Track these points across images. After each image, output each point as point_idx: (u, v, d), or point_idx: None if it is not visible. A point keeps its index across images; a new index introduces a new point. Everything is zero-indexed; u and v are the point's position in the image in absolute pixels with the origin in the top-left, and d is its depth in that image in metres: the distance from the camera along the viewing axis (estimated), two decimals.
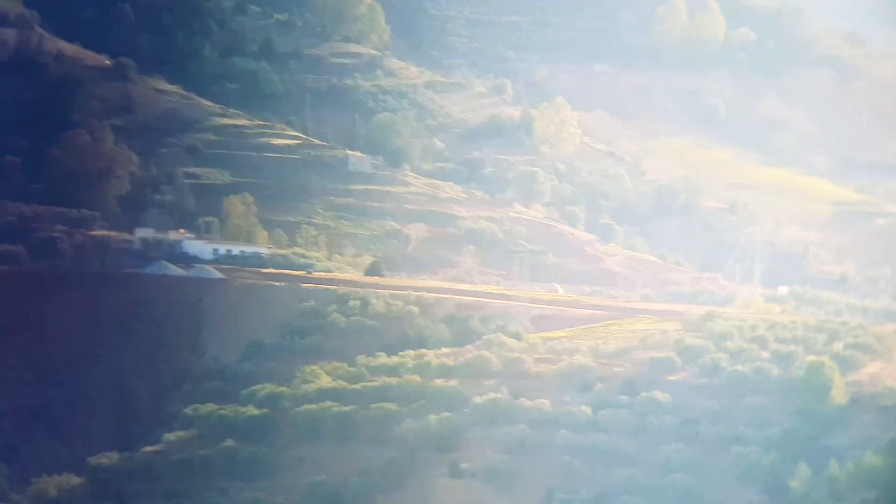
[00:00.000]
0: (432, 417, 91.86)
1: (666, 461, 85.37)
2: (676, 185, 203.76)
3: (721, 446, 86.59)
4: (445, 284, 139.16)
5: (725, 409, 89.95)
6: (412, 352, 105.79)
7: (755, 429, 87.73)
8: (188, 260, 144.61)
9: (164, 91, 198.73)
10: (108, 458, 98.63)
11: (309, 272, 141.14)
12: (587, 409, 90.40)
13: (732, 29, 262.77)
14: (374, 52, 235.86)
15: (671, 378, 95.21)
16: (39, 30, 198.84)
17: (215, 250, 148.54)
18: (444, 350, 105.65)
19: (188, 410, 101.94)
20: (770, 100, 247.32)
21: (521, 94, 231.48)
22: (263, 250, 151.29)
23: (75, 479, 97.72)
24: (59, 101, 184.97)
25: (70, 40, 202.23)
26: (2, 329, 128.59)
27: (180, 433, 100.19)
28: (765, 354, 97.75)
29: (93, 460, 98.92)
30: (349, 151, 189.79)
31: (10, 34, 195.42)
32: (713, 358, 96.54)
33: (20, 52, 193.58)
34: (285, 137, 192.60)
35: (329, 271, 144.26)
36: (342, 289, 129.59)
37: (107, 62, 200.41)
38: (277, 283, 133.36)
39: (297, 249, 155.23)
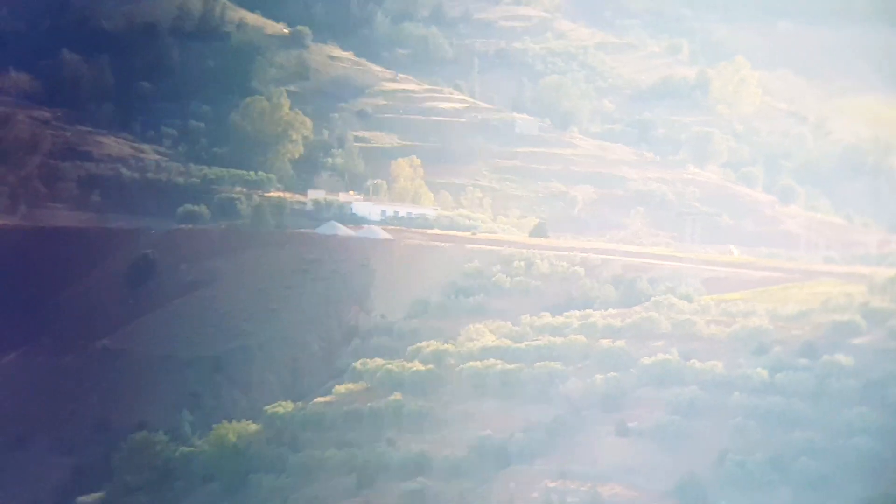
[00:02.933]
0: (598, 377, 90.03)
1: (848, 424, 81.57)
2: (864, 145, 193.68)
3: None
4: (612, 246, 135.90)
5: None
6: (577, 312, 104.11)
7: None
8: (357, 221, 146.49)
9: (338, 58, 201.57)
10: (283, 407, 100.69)
11: (473, 233, 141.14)
12: (763, 372, 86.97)
13: None
14: (544, 14, 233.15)
15: (855, 341, 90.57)
16: (223, 0, 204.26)
17: (383, 211, 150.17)
18: (611, 311, 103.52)
19: (357, 365, 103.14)
20: None
21: (697, 54, 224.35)
22: (429, 212, 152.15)
23: (253, 426, 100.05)
24: (239, 68, 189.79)
25: (251, 10, 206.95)
26: (186, 284, 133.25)
27: (350, 386, 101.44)
28: None
29: (269, 409, 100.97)
30: (516, 114, 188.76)
31: (196, 4, 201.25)
32: None
33: (205, 21, 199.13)
34: (453, 101, 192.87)
35: (493, 233, 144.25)
36: (507, 249, 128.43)
37: (284, 30, 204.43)
38: (442, 244, 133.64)
39: (462, 211, 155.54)
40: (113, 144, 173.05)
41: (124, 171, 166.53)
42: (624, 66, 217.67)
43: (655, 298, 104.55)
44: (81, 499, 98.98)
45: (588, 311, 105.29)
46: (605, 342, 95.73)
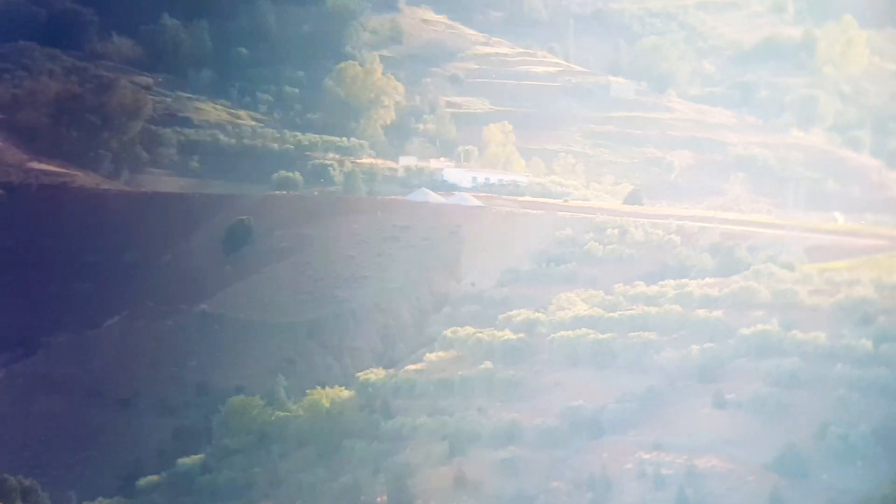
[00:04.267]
0: (694, 347, 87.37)
1: None
2: None
3: None
4: (710, 213, 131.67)
5: None
6: (672, 281, 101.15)
7: None
8: (448, 187, 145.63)
9: (430, 21, 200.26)
10: (375, 374, 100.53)
11: (566, 200, 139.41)
12: (867, 343, 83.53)
13: None
14: None
15: None
16: None
17: (474, 178, 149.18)
18: (708, 280, 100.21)
19: (447, 332, 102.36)
20: None
21: (803, 13, 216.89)
22: (521, 178, 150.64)
23: (345, 393, 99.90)
24: (333, 33, 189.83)
25: None
26: (280, 250, 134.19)
27: (441, 354, 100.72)
28: None
29: (361, 375, 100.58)
30: (611, 77, 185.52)
31: None
32: None
33: None
34: (546, 65, 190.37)
35: (586, 199, 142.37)
36: (600, 217, 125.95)
37: None
38: (534, 211, 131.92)
39: (554, 177, 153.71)
40: (211, 110, 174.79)
41: (222, 136, 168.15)
42: (725, 26, 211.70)
43: (755, 267, 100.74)
44: (182, 460, 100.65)
45: (684, 280, 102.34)
46: (702, 312, 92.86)
